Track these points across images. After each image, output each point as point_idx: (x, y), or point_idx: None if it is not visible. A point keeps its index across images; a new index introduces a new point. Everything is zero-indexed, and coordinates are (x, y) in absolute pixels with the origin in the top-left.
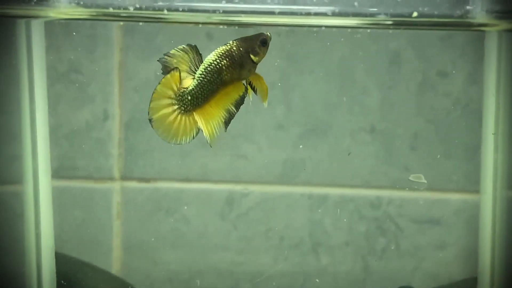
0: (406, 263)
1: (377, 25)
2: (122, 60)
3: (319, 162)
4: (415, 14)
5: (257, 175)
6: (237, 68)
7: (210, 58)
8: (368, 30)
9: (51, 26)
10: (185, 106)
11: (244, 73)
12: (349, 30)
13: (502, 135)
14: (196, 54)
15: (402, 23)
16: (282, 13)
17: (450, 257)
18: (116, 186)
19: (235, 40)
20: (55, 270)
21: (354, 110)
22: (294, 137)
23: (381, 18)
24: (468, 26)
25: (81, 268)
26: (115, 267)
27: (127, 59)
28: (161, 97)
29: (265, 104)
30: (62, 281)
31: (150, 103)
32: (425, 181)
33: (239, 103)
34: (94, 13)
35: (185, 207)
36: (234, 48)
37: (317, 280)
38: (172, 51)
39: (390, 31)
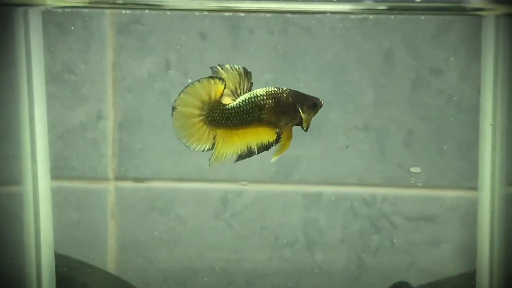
0: (401, 260)
1: (371, 10)
2: (116, 60)
3: (313, 161)
4: None
5: (251, 174)
6: (278, 114)
7: (258, 91)
8: (355, 16)
9: (44, 25)
10: (212, 119)
11: (282, 122)
12: (340, 25)
13: (500, 129)
14: (247, 81)
15: (396, 8)
16: None
17: (445, 254)
18: (110, 186)
19: (288, 88)
20: (55, 270)
21: (347, 108)
22: None
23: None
24: (465, 10)
25: (78, 267)
26: (110, 267)
27: (121, 59)
28: (195, 96)
29: (272, 159)
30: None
31: (180, 93)
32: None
33: (263, 148)
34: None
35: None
36: (285, 95)
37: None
38: (227, 66)
39: (383, 23)
